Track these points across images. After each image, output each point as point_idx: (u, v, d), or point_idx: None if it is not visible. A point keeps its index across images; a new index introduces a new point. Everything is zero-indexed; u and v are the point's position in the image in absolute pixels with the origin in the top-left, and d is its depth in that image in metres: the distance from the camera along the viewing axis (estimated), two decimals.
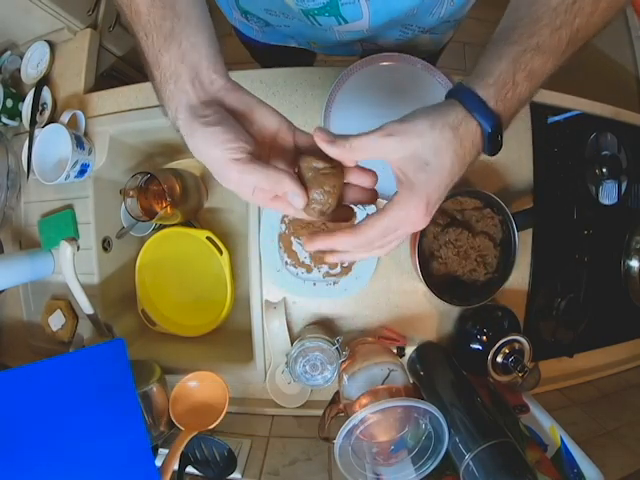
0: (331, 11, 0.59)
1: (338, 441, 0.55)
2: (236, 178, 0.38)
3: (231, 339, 0.91)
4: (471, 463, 0.53)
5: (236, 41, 0.92)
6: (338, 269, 0.76)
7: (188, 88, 0.38)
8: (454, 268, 0.71)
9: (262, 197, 0.41)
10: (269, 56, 0.92)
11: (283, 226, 0.76)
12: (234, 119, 0.39)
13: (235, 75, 0.78)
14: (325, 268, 0.76)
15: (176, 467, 0.65)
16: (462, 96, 0.39)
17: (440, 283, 0.71)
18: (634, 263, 0.86)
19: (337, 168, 0.41)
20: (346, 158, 0.40)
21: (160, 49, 0.37)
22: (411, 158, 0.38)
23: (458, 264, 0.71)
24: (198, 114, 0.37)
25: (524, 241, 0.76)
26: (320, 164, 0.40)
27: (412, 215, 0.40)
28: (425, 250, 0.72)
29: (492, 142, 0.39)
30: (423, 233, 0.71)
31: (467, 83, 0.39)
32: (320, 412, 0.67)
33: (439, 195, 0.40)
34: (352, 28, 0.64)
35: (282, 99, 0.77)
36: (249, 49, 0.96)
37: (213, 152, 0.37)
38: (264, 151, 0.41)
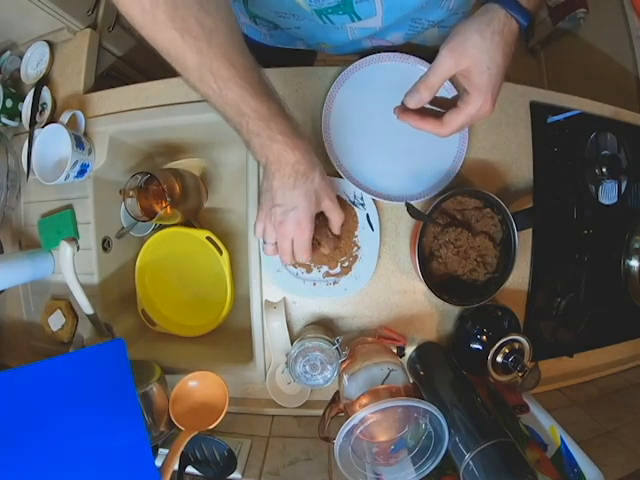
0: (345, 9, 0.60)
1: (338, 441, 0.55)
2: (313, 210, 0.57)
3: (231, 339, 0.91)
4: (471, 463, 0.53)
5: None
6: (338, 269, 0.76)
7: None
8: (454, 268, 0.71)
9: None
10: (271, 58, 0.92)
11: None
12: None
13: None
14: (325, 268, 0.76)
15: (176, 467, 0.65)
16: (500, 0, 0.48)
17: (440, 283, 0.71)
18: (634, 263, 0.86)
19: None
20: (430, 97, 0.54)
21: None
22: (473, 66, 0.49)
23: (458, 264, 0.71)
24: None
25: (524, 241, 0.76)
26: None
27: (483, 109, 0.52)
28: (425, 250, 0.72)
29: (527, 32, 0.49)
30: (423, 233, 0.71)
31: None
32: (320, 412, 0.67)
33: (499, 87, 0.51)
34: (365, 25, 0.65)
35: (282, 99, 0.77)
36: (253, 52, 0.96)
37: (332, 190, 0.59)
38: None
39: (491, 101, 0.51)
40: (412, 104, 0.55)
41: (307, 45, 0.82)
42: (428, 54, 0.73)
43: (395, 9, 0.61)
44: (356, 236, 0.75)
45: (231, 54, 0.45)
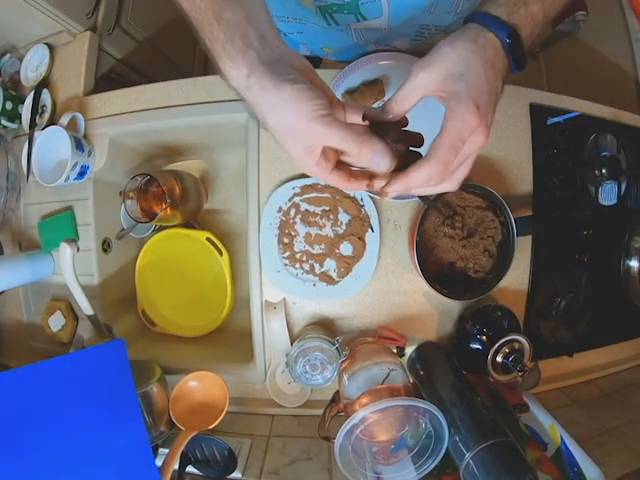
0: (350, 9, 0.59)
1: (338, 440, 0.55)
2: (320, 134, 0.38)
3: (231, 339, 0.91)
4: (471, 462, 0.53)
5: None
6: (333, 274, 0.76)
7: (257, 45, 0.38)
8: (450, 262, 0.72)
9: (325, 166, 0.42)
10: None
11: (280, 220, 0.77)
12: None
13: None
14: (325, 268, 0.76)
15: (176, 467, 0.65)
16: (476, 18, 0.42)
17: (434, 277, 0.71)
18: (634, 263, 0.86)
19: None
20: (399, 113, 0.43)
21: (222, 7, 0.37)
22: (446, 77, 0.40)
23: (455, 257, 0.71)
24: (281, 72, 0.38)
25: (524, 241, 0.76)
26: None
27: (468, 120, 0.39)
28: (424, 240, 0.72)
29: (515, 54, 0.42)
30: (425, 218, 0.71)
31: (480, 8, 0.43)
32: (320, 411, 0.67)
33: (485, 100, 0.40)
34: (370, 25, 0.64)
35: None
36: None
37: (301, 107, 0.37)
38: None
39: (476, 110, 0.39)
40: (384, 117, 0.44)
41: (311, 51, 0.82)
42: None
43: (402, 10, 0.60)
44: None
45: None
